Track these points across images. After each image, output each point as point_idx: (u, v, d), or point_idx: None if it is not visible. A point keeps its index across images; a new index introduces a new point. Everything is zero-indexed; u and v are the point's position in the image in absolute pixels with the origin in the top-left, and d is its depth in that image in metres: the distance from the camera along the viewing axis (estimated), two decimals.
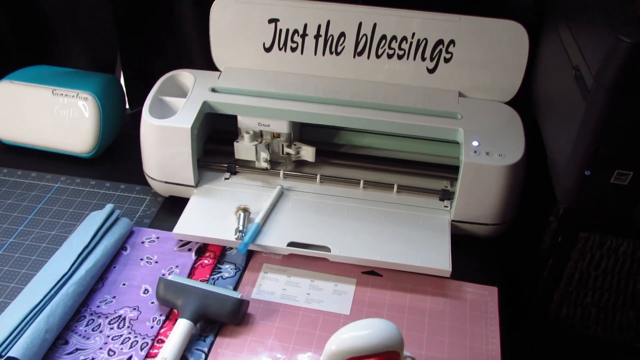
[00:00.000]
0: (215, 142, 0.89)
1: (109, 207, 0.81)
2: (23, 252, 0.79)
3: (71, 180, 0.91)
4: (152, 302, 0.73)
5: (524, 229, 0.86)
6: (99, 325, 0.70)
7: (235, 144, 0.84)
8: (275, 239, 0.77)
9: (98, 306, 0.72)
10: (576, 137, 0.64)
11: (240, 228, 0.77)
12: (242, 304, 0.70)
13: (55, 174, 0.92)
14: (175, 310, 0.71)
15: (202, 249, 0.79)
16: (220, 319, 0.70)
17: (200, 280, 0.75)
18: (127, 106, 1.06)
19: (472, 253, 0.80)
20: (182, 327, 0.67)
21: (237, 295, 0.70)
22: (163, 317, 0.71)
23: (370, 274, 0.77)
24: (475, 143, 0.77)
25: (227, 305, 0.69)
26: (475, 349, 0.68)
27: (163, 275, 0.74)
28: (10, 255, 0.78)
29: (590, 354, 0.80)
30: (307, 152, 0.85)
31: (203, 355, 0.67)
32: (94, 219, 0.79)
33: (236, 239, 0.76)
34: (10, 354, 0.63)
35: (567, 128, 0.68)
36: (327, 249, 0.76)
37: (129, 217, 0.84)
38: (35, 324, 0.66)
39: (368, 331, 0.56)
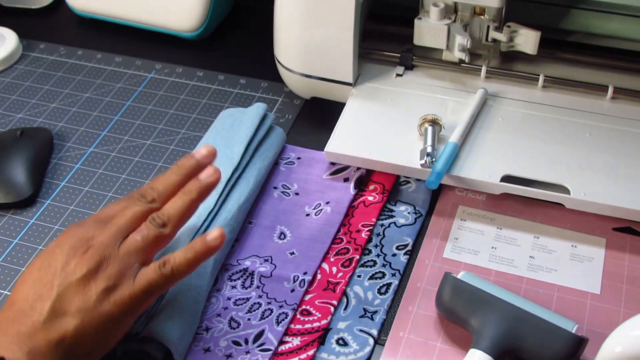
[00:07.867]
0: (381, 20, 0.62)
1: (260, 107, 0.56)
2: (108, 167, 0.56)
3: (170, 69, 0.66)
4: (292, 253, 0.49)
5: None
6: (215, 280, 0.47)
7: (415, 22, 0.56)
8: (481, 169, 0.51)
9: None
10: None
11: (429, 150, 0.50)
12: (580, 344, 0.41)
13: (147, 60, 0.67)
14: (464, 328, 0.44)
15: (364, 180, 0.54)
16: None
17: (363, 226, 0.50)
18: None
19: None
20: None
21: (571, 327, 0.42)
22: (309, 277, 0.47)
23: (626, 232, 0.50)
24: None
25: (555, 341, 0.41)
26: None
27: (446, 272, 0.45)
28: (90, 172, 0.56)
29: None
30: (527, 39, 0.56)
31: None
32: (244, 124, 0.55)
33: (423, 165, 0.50)
34: None
35: None
36: (564, 190, 0.49)
37: None
38: None
39: None
